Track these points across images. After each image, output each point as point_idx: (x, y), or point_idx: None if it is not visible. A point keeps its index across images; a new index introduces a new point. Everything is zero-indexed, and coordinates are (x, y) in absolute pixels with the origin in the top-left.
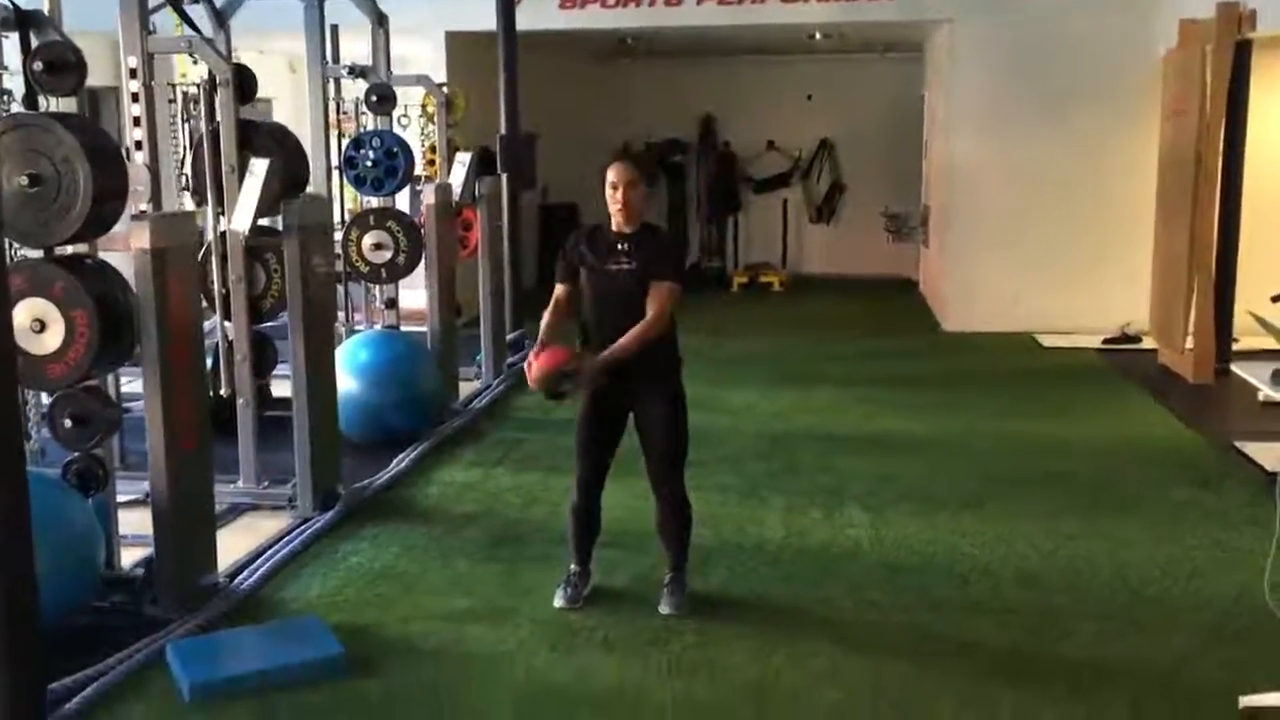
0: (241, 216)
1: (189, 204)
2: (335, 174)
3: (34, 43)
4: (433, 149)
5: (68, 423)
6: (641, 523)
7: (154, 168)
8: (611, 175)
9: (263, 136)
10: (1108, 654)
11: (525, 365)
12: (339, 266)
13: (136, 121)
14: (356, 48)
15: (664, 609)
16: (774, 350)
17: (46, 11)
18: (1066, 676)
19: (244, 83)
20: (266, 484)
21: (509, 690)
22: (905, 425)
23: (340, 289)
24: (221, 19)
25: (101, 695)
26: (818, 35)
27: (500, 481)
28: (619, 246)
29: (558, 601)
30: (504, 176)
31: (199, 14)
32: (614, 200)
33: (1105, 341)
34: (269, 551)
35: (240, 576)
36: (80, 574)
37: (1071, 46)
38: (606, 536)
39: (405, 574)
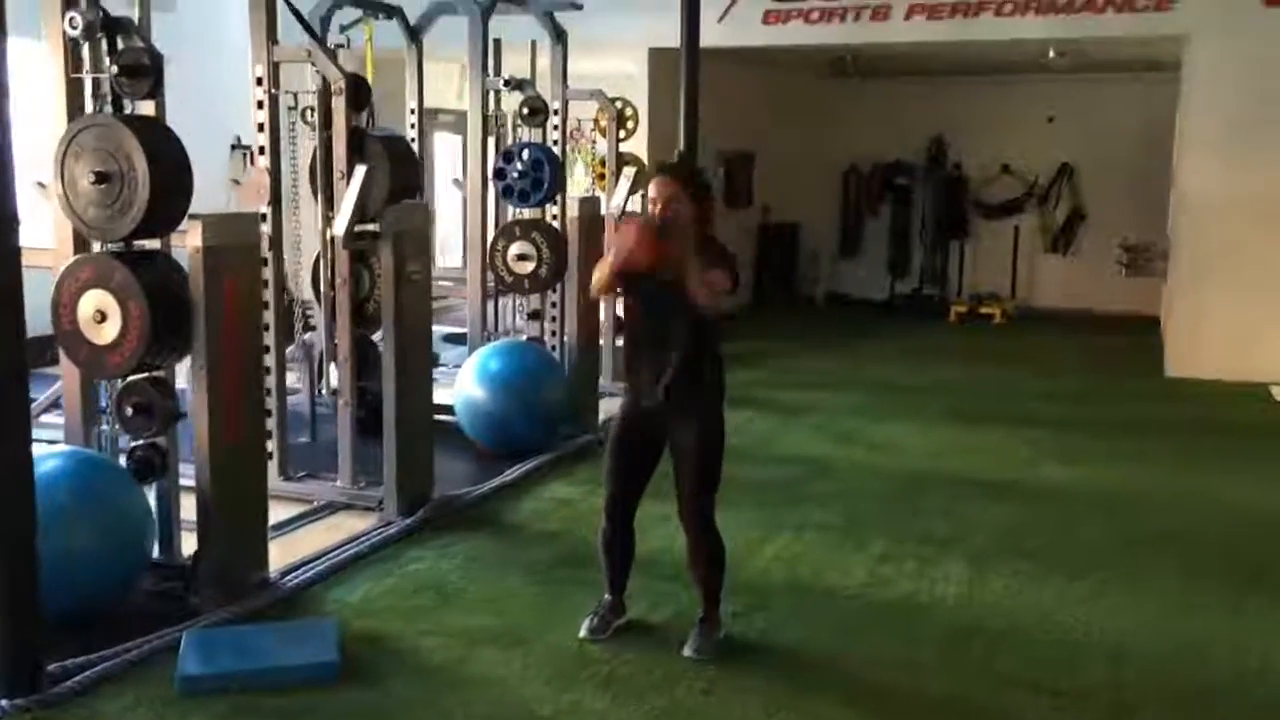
0: (340, 220)
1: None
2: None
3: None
4: (602, 163)
5: (129, 411)
6: None
7: (274, 171)
8: (650, 190)
9: (373, 144)
10: None
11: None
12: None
13: (261, 128)
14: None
15: (686, 651)
16: (961, 384)
17: (135, 19)
18: None
19: (357, 91)
20: (363, 484)
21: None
22: (1068, 475)
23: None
24: (415, 34)
25: (102, 678)
26: (1051, 54)
27: (597, 501)
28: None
29: (581, 631)
30: None
31: (393, 29)
32: (655, 215)
33: None
34: (335, 551)
35: (292, 574)
36: (126, 558)
37: None
38: (666, 569)
39: (451, 586)
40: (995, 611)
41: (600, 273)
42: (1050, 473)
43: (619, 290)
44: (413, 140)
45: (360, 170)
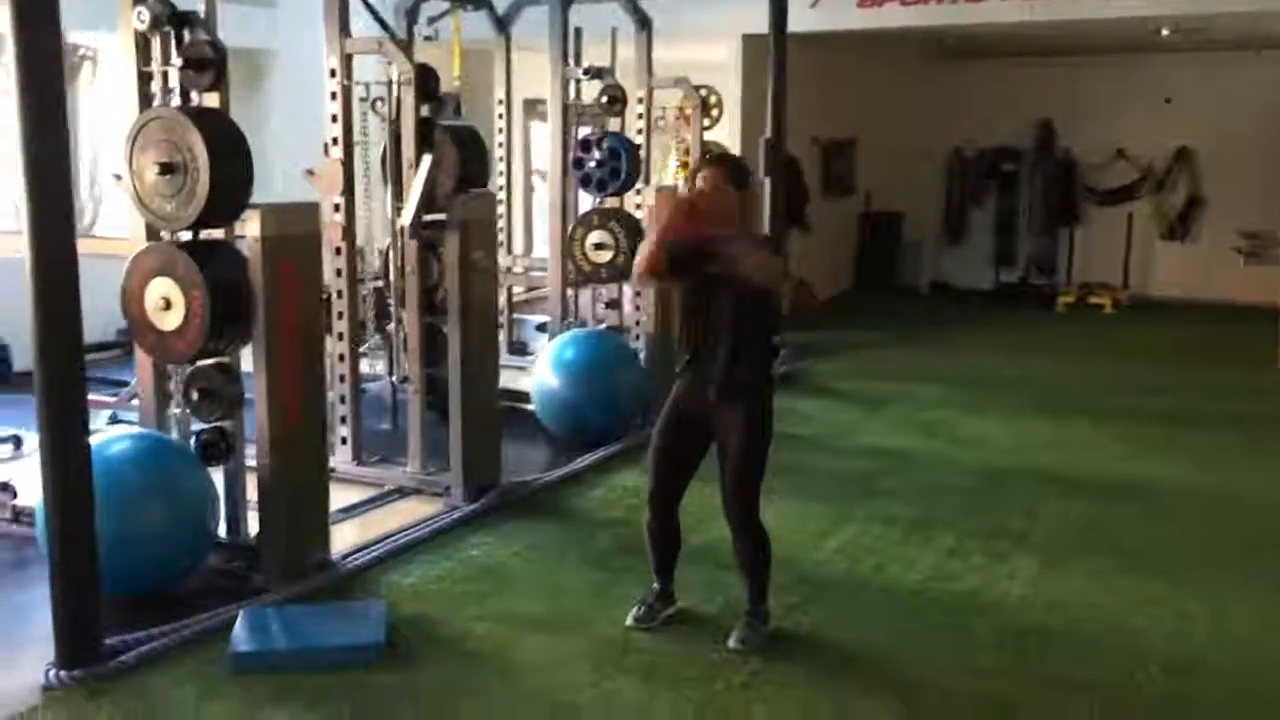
0: (406, 210)
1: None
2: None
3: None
4: (686, 151)
5: (196, 396)
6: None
7: (347, 162)
8: (699, 182)
9: (441, 134)
10: None
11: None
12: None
13: (334, 119)
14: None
15: (731, 643)
16: (1059, 377)
17: (202, 12)
18: None
19: (426, 82)
20: (432, 470)
21: (521, 705)
22: (1161, 472)
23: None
24: (502, 25)
25: (158, 653)
26: (1165, 31)
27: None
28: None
29: (628, 620)
30: (766, 181)
31: (480, 20)
32: None
33: None
34: (396, 535)
35: (352, 556)
36: (190, 537)
37: None
38: (723, 558)
39: (508, 572)
40: (1060, 611)
41: (643, 254)
42: (1142, 469)
43: (668, 277)
44: (501, 131)
45: (426, 160)
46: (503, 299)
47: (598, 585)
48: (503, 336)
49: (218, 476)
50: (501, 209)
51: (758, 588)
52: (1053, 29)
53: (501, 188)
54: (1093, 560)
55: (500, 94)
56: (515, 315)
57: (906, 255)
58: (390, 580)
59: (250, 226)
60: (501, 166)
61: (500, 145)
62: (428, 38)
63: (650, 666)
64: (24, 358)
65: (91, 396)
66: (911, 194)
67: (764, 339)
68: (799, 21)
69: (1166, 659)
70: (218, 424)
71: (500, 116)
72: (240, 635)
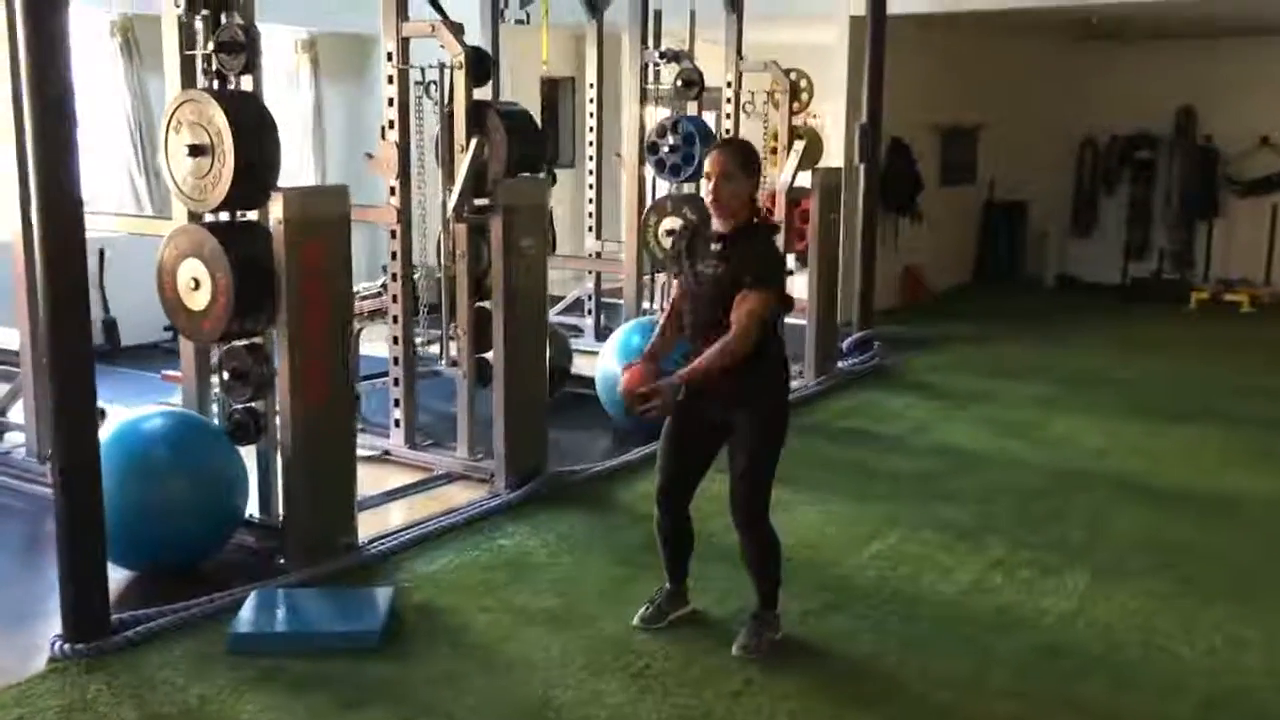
0: (452, 194)
1: None
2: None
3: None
4: (774, 137)
5: (227, 376)
6: (800, 551)
7: (403, 146)
8: (706, 165)
9: (493, 117)
10: None
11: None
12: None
13: (391, 102)
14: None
15: (734, 649)
16: (1173, 378)
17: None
18: None
19: (479, 65)
20: (480, 455)
21: (504, 702)
22: (1256, 484)
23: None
24: (594, 8)
25: (162, 630)
26: None
27: (712, 486)
28: (712, 247)
29: (635, 620)
30: (862, 168)
31: (573, 4)
32: (705, 193)
33: None
34: (429, 521)
35: (380, 541)
36: (214, 515)
37: None
38: None
39: (530, 563)
40: (1101, 632)
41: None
42: (1234, 481)
43: (676, 273)
44: (592, 115)
45: (473, 143)
46: (591, 285)
47: (616, 581)
48: (590, 323)
49: (251, 457)
50: (591, 194)
51: (766, 592)
52: (1194, 9)
53: (591, 173)
54: (1152, 579)
55: (591, 77)
56: (605, 301)
57: (1031, 247)
58: (413, 567)
59: (273, 209)
60: (591, 151)
61: (591, 130)
62: (519, 21)
63: (643, 669)
64: (132, 332)
65: (169, 372)
66: (1039, 182)
67: (771, 342)
68: (915, 1)
69: (1207, 692)
70: (249, 404)
71: (591, 100)
72: (244, 616)
